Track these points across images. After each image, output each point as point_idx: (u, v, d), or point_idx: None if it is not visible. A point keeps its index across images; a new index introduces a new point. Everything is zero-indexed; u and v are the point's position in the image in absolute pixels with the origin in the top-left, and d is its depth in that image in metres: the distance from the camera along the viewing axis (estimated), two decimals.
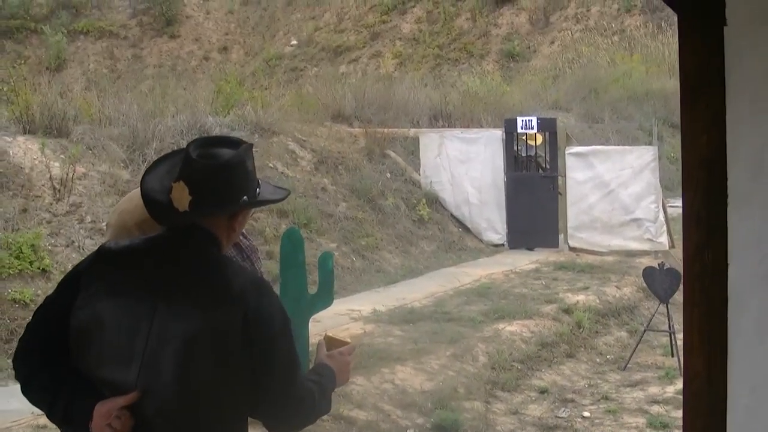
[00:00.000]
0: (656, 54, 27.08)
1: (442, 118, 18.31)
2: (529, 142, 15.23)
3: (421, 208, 14.98)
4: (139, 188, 2.42)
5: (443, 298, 10.96)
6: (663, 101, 22.03)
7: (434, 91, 20.74)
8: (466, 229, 15.36)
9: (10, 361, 3.89)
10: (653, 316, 9.43)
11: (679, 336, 8.47)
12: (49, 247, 9.65)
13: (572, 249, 14.22)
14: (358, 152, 15.69)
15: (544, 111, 19.36)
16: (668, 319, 9.13)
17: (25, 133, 11.33)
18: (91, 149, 11.56)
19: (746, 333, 1.99)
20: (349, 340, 2.74)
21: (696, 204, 2.07)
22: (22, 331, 2.44)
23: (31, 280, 9.07)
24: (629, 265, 12.92)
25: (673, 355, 9.31)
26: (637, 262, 12.83)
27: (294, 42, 34.52)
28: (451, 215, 15.49)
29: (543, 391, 8.42)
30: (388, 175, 15.55)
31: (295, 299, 6.50)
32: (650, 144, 14.78)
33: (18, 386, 2.41)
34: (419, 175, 15.74)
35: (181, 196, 2.27)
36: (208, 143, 2.38)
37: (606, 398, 8.35)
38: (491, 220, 15.16)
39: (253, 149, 2.44)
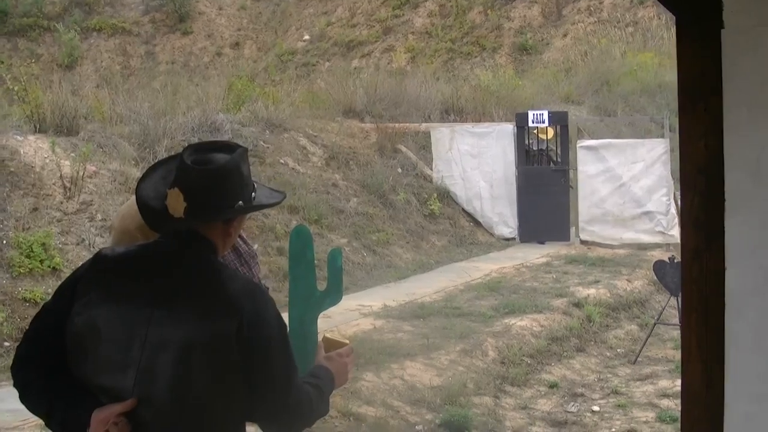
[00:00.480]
0: (669, 46, 26.85)
1: (454, 113, 18.25)
2: (540, 135, 15.20)
3: (432, 203, 14.97)
4: None
5: (454, 292, 10.96)
6: (676, 93, 21.81)
7: (446, 85, 20.68)
8: (477, 224, 15.34)
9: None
10: (663, 309, 9.40)
11: None
12: (60, 246, 9.68)
13: (583, 242, 14.19)
14: (370, 147, 15.68)
15: (556, 104, 19.29)
16: (679, 312, 9.08)
17: (36, 131, 11.38)
18: (102, 147, 11.60)
19: (743, 338, 1.98)
20: (347, 341, 2.73)
21: (694, 208, 2.06)
22: None
23: (41, 278, 9.09)
24: (640, 258, 12.88)
25: None
26: (648, 255, 12.79)
27: (306, 37, 34.48)
28: (463, 210, 15.48)
29: (552, 386, 8.40)
30: (400, 170, 15.54)
31: (304, 296, 6.47)
32: (662, 137, 14.72)
33: None
34: (430, 169, 15.73)
35: (177, 203, 2.27)
36: (203, 149, 2.38)
37: (616, 392, 8.32)
38: (502, 214, 15.14)
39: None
